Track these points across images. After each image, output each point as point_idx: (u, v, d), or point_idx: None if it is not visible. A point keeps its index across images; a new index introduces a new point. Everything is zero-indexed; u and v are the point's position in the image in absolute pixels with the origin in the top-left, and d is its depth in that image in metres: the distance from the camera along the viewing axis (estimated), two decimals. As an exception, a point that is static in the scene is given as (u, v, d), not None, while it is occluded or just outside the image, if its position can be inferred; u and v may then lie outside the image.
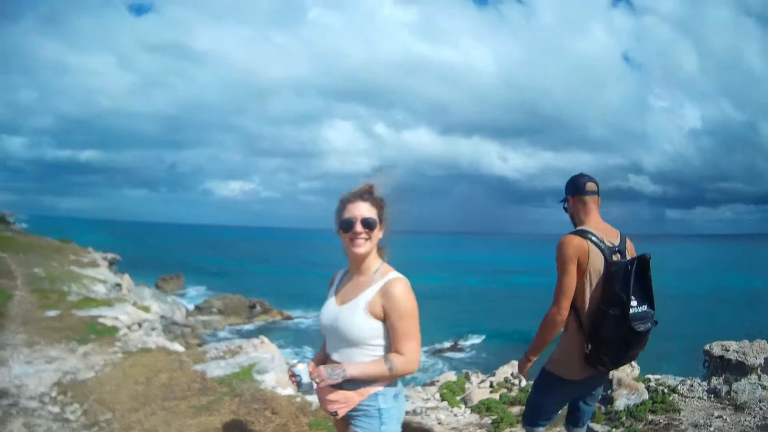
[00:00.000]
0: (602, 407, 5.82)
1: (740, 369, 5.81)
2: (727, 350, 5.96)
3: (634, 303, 2.90)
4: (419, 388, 8.54)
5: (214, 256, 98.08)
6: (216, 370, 7.34)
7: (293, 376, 2.36)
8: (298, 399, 6.34)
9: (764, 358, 5.76)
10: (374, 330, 2.33)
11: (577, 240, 3.03)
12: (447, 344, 33.41)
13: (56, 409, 5.80)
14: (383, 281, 2.38)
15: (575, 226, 3.26)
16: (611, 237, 3.15)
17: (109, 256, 39.39)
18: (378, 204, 2.52)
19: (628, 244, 3.25)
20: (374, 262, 2.52)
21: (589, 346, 3.01)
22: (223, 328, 32.77)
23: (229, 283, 50.35)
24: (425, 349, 32.10)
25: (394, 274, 2.44)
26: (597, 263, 3.01)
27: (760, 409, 5.25)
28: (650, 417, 5.36)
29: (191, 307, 37.57)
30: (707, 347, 6.24)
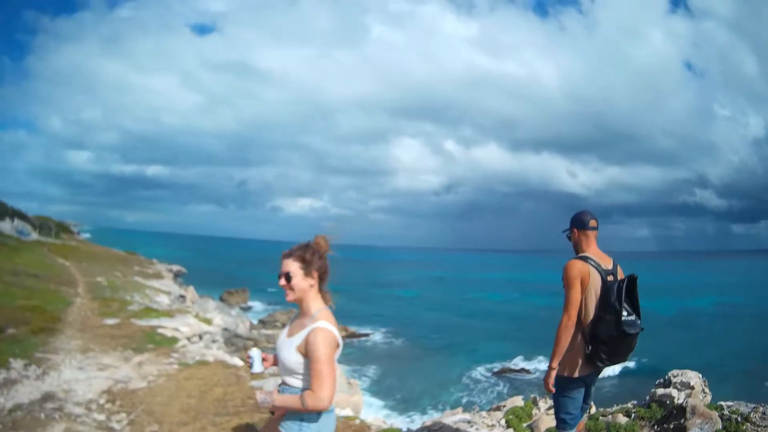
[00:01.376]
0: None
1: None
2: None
3: (624, 313, 3.78)
4: (484, 413, 8.13)
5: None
6: (273, 387, 7.05)
7: (249, 357, 3.03)
8: (357, 422, 6.33)
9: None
10: (300, 364, 2.83)
11: (579, 263, 3.93)
12: (514, 365, 32.43)
13: (102, 417, 5.68)
14: (310, 328, 2.83)
15: (577, 253, 4.12)
16: (606, 263, 4.04)
17: (174, 268, 40.33)
18: (301, 257, 2.95)
19: (618, 268, 4.13)
20: (312, 307, 2.94)
21: (590, 348, 3.89)
22: (286, 343, 32.71)
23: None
24: (489, 366, 31.27)
25: (319, 324, 2.84)
26: (596, 282, 3.88)
27: (833, 441, 5.10)
28: (723, 448, 5.26)
29: (255, 320, 37.69)
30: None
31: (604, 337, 3.83)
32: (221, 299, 43.66)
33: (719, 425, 5.56)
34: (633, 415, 6.56)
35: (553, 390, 4.09)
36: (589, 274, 3.89)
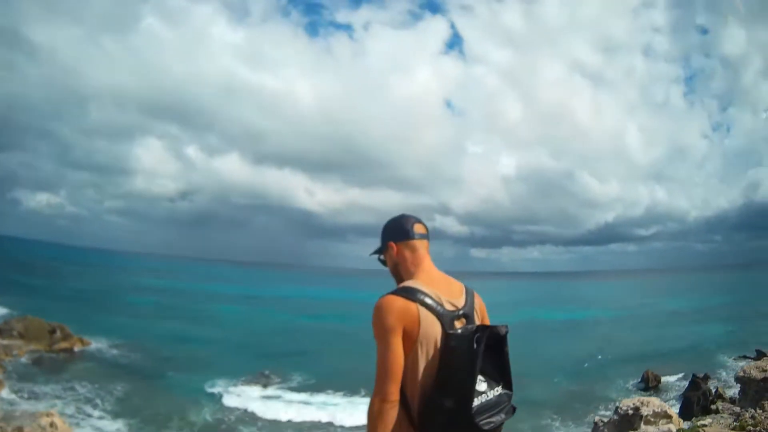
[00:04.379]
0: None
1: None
2: (765, 371, 5.61)
3: (482, 387, 2.25)
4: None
5: (18, 272, 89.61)
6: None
7: None
8: None
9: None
10: None
11: (400, 303, 2.29)
12: (259, 382, 31.38)
13: None
14: None
15: (401, 279, 2.55)
16: (453, 294, 2.46)
17: None
18: None
19: (477, 302, 2.57)
20: None
21: None
22: (23, 355, 30.77)
23: (31, 303, 46.58)
24: (231, 381, 30.35)
25: None
26: (432, 333, 2.30)
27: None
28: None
29: (-10, 328, 33.95)
30: (740, 373, 5.90)
31: (440, 429, 2.26)
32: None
33: None
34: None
35: None
36: (418, 321, 2.28)
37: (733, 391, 21.76)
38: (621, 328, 54.67)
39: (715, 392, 20.80)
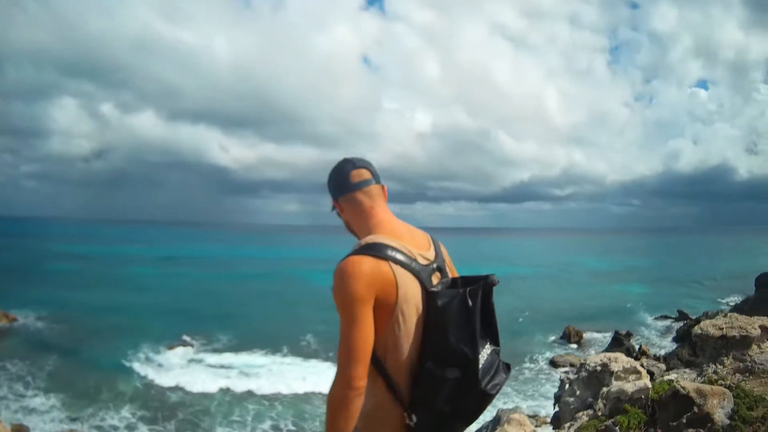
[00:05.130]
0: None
1: (743, 344, 5.51)
2: (722, 329, 5.69)
3: (483, 352, 1.90)
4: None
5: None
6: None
7: None
8: None
9: (759, 327, 5.49)
10: None
11: (369, 264, 1.82)
12: (187, 340, 30.58)
13: None
14: None
15: (360, 235, 2.06)
16: (420, 246, 2.03)
17: None
18: None
19: (443, 251, 2.15)
20: None
21: (414, 418, 1.88)
22: (-50, 336, 29.62)
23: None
24: (159, 344, 29.39)
25: None
26: (412, 294, 1.88)
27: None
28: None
29: None
30: (698, 330, 5.91)
31: (446, 406, 1.87)
32: None
33: (731, 397, 4.92)
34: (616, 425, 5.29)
35: None
36: (395, 282, 1.84)
37: (656, 349, 23.09)
38: (541, 285, 55.09)
39: (639, 349, 21.63)
